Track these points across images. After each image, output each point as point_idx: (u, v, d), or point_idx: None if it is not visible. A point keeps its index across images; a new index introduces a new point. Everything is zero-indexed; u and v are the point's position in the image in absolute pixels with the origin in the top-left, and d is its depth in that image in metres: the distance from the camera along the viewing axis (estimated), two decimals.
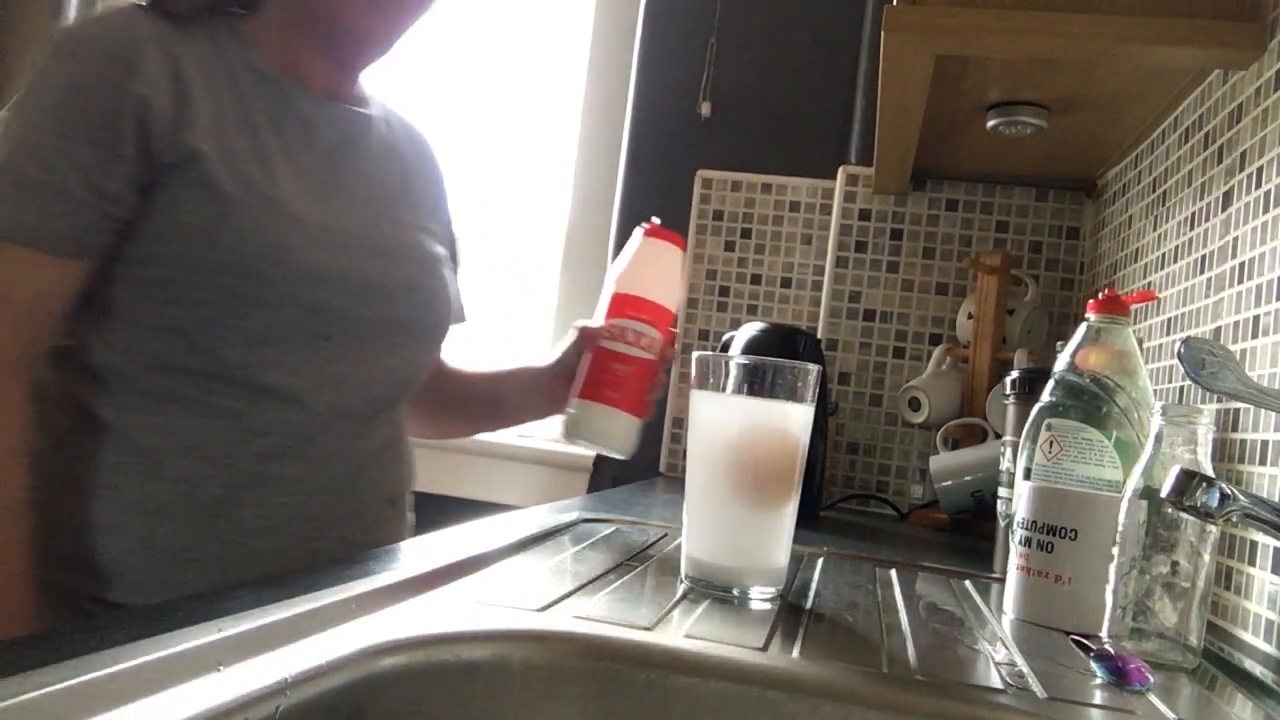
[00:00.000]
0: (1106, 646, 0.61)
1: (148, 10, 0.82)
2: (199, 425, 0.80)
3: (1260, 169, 0.85)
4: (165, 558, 0.79)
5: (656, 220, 0.95)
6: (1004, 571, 0.82)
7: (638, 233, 0.95)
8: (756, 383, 0.68)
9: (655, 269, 0.93)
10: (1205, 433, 0.63)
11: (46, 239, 0.75)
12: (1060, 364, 0.77)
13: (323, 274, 0.83)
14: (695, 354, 0.71)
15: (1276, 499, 0.71)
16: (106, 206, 0.77)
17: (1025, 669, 0.57)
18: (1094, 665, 0.57)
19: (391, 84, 1.05)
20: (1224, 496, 0.54)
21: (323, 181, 0.87)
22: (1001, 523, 0.97)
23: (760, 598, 0.68)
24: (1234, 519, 0.55)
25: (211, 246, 0.78)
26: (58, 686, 0.36)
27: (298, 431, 0.83)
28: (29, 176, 0.75)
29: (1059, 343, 0.82)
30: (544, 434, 1.84)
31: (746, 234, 1.73)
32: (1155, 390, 1.08)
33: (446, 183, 1.07)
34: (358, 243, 0.87)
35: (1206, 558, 0.62)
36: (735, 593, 0.68)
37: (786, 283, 1.72)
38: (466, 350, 1.13)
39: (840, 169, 1.67)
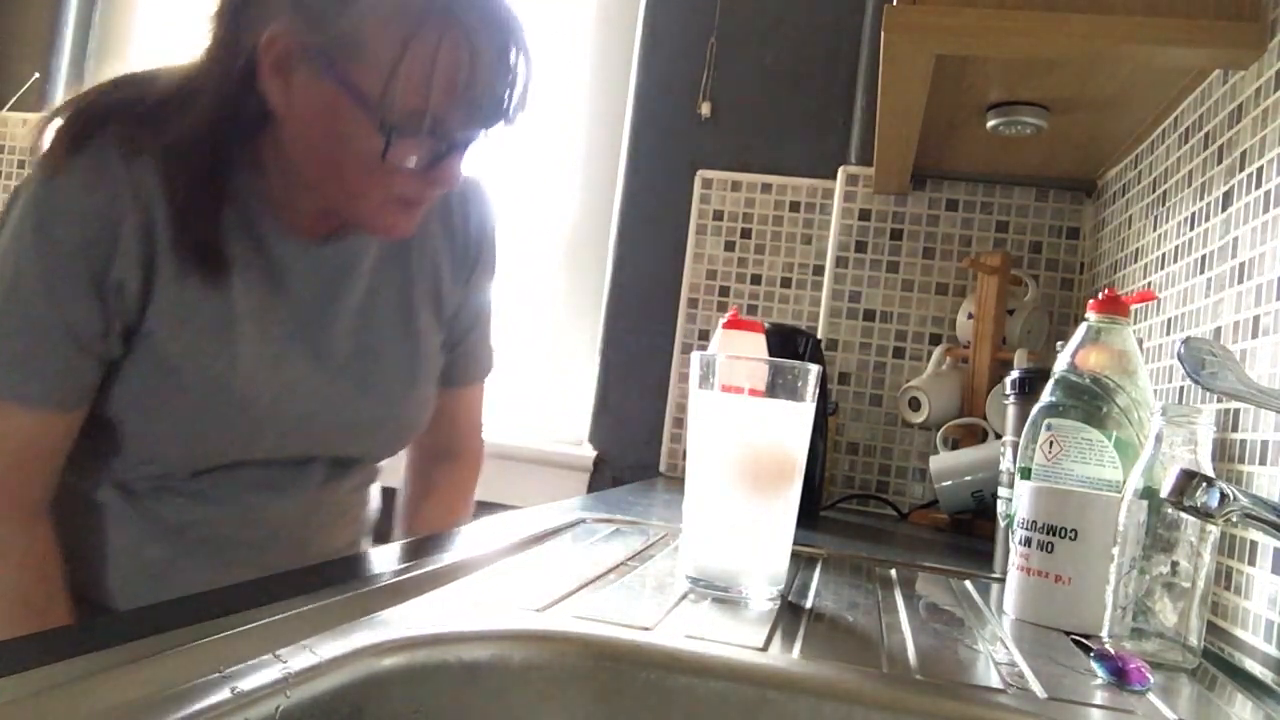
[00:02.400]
0: (1106, 646, 0.61)
1: (130, 149, 0.76)
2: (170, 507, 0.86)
3: (1260, 169, 0.85)
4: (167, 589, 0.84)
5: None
6: (1004, 571, 0.82)
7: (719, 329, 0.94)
8: None
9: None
10: (1205, 433, 0.63)
11: (36, 397, 0.77)
12: (1060, 364, 0.77)
13: (270, 450, 0.85)
14: (695, 354, 0.71)
15: (1276, 499, 0.70)
16: (89, 364, 0.78)
17: (1025, 669, 0.57)
18: (1094, 665, 0.57)
19: None
20: (1224, 496, 0.54)
21: (287, 344, 0.85)
22: (1001, 523, 0.97)
23: (760, 598, 0.68)
24: (1234, 519, 0.55)
25: (162, 416, 0.80)
26: (58, 687, 0.36)
27: (248, 536, 0.89)
28: (21, 340, 0.76)
29: (1059, 343, 0.81)
30: (544, 434, 1.84)
31: (746, 234, 1.73)
32: (1155, 390, 1.08)
33: (485, 239, 0.99)
34: (311, 416, 0.86)
35: (1206, 558, 0.62)
36: (735, 593, 0.68)
37: (786, 283, 1.72)
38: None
39: (840, 169, 1.67)
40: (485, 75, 0.74)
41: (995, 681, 0.54)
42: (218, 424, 0.82)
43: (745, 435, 0.68)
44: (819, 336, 1.62)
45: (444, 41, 0.72)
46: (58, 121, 0.77)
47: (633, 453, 1.76)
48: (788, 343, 1.26)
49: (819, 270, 1.70)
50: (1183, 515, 0.60)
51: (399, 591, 0.57)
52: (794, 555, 0.81)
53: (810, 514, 1.30)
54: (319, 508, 0.93)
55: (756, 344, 0.92)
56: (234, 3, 0.77)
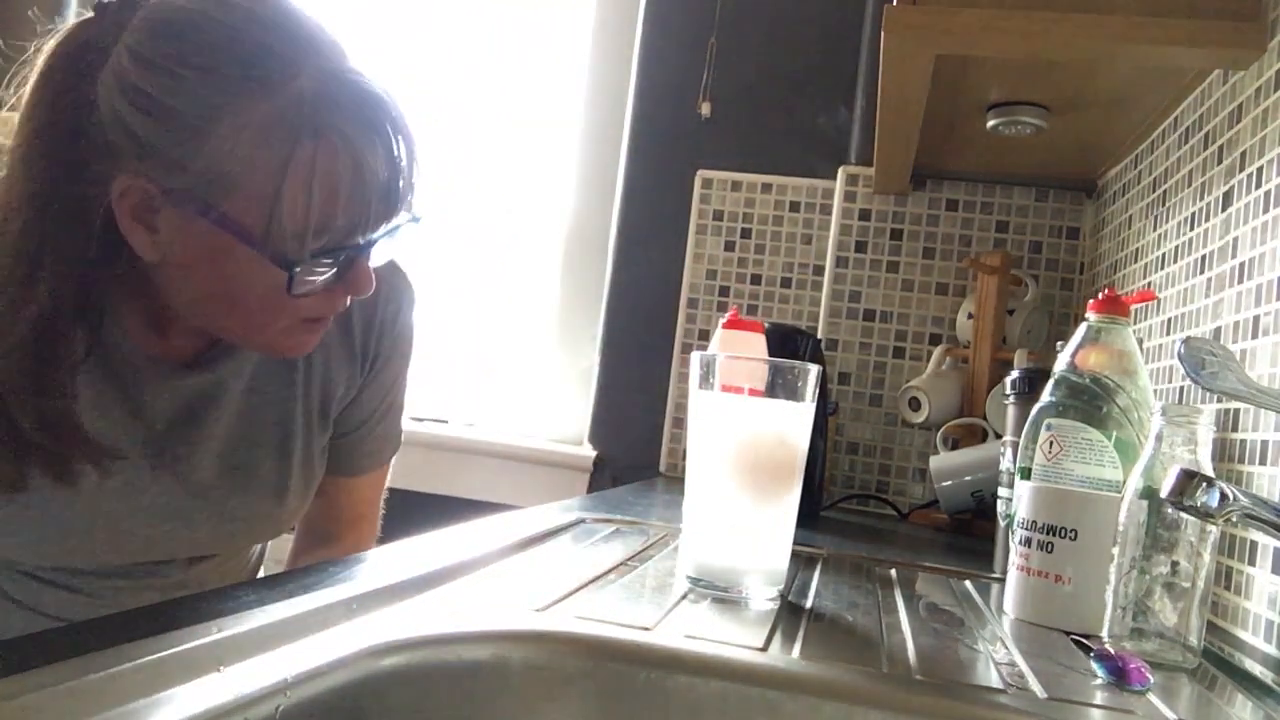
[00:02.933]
0: (1106, 646, 0.61)
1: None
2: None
3: (1260, 169, 0.85)
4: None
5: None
6: (1004, 571, 0.82)
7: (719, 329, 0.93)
8: None
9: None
10: (1205, 433, 0.63)
11: None
12: (1060, 364, 0.77)
13: (121, 560, 0.84)
14: (695, 354, 0.71)
15: (1276, 499, 0.70)
16: None
17: (1025, 669, 0.57)
18: (1094, 665, 0.57)
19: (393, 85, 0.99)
20: (1224, 496, 0.54)
21: (142, 474, 0.80)
22: (1001, 523, 0.97)
23: (760, 598, 0.68)
24: (1234, 519, 0.55)
25: (4, 528, 0.77)
26: (58, 687, 0.36)
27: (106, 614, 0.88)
28: None
29: (1059, 343, 0.82)
30: (544, 434, 1.84)
31: (746, 234, 1.73)
32: (1155, 390, 1.08)
33: (388, 329, 0.91)
34: (164, 536, 0.83)
35: (1206, 558, 0.62)
36: (735, 593, 0.68)
37: (786, 283, 1.72)
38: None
39: (840, 169, 1.67)
40: (371, 175, 0.67)
41: (995, 681, 0.54)
42: (62, 542, 0.79)
43: (745, 435, 0.68)
44: (819, 336, 1.62)
45: (320, 154, 0.65)
46: None
47: (633, 453, 1.76)
48: (788, 343, 1.26)
49: (819, 270, 1.70)
50: (1183, 515, 0.60)
51: (399, 591, 0.57)
52: (794, 555, 0.81)
53: (810, 514, 1.30)
54: (183, 586, 0.89)
55: (756, 344, 0.92)
56: (66, 162, 0.67)
